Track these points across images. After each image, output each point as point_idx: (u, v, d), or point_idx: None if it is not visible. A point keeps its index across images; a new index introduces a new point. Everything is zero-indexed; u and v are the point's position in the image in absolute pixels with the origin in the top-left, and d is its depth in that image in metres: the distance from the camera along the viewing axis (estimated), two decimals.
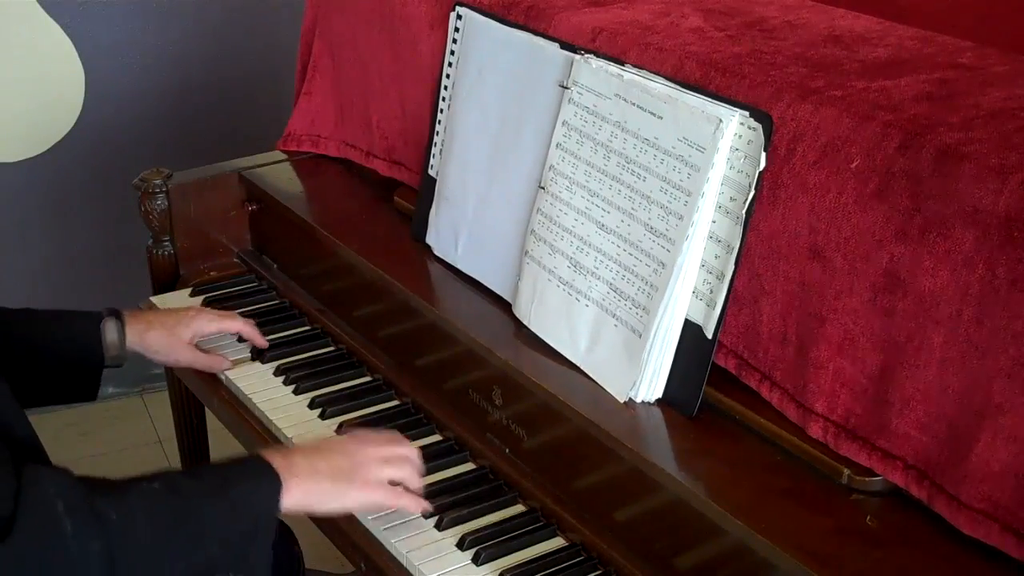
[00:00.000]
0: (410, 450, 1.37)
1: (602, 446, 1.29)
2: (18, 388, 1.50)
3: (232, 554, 1.19)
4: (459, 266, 1.62)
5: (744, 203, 1.23)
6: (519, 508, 1.40)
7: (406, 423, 1.56)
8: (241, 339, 1.74)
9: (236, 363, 1.71)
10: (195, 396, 1.90)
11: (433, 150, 1.68)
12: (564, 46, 1.44)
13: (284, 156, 2.03)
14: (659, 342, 1.30)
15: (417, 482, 1.35)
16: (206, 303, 1.86)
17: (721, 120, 1.23)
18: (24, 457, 1.19)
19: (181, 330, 1.63)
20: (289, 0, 2.85)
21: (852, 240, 1.15)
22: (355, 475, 1.28)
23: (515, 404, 1.42)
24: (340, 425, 1.56)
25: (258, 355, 1.72)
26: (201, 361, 1.67)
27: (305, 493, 1.24)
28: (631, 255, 1.34)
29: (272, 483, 1.22)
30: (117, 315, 1.58)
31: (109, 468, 2.65)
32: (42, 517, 1.09)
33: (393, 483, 1.32)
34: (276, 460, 1.24)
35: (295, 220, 1.83)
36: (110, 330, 1.55)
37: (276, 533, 1.62)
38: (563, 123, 1.43)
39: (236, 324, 1.70)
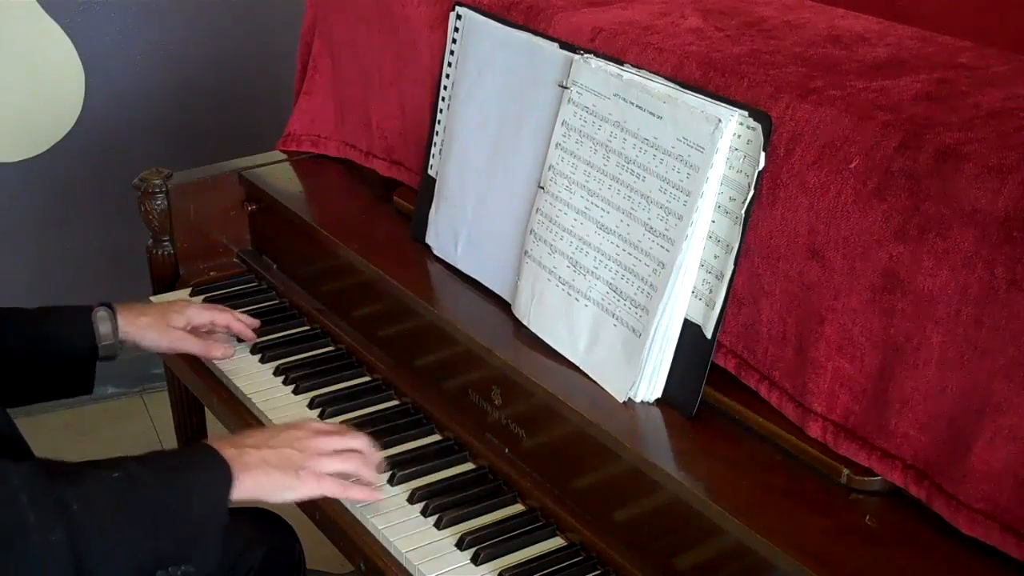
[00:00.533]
0: (360, 441, 1.38)
1: (601, 446, 1.29)
2: (15, 386, 1.51)
3: (183, 544, 1.20)
4: (459, 266, 1.62)
5: (743, 203, 1.23)
6: (518, 508, 1.40)
7: (405, 423, 1.56)
8: (240, 339, 1.74)
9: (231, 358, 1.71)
10: (195, 396, 1.90)
11: (433, 150, 1.68)
12: (563, 46, 1.44)
13: (284, 156, 2.03)
14: (658, 342, 1.30)
15: (368, 474, 1.36)
16: (206, 303, 1.86)
17: (720, 120, 1.23)
18: (2, 452, 1.21)
19: (174, 317, 1.65)
20: (289, 0, 2.85)
21: (851, 240, 1.15)
22: (304, 467, 1.30)
23: (514, 404, 1.42)
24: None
25: (258, 351, 1.73)
26: (196, 347, 1.67)
27: (255, 484, 1.26)
28: (630, 255, 1.34)
29: (222, 474, 1.24)
30: (108, 306, 1.59)
31: None
32: (5, 507, 1.11)
33: (345, 475, 1.34)
34: (227, 451, 1.26)
35: (295, 220, 1.83)
36: (102, 320, 1.57)
37: (278, 530, 1.63)
38: (562, 123, 1.43)
39: (225, 317, 1.71)
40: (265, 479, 1.27)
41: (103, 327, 1.57)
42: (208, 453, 1.26)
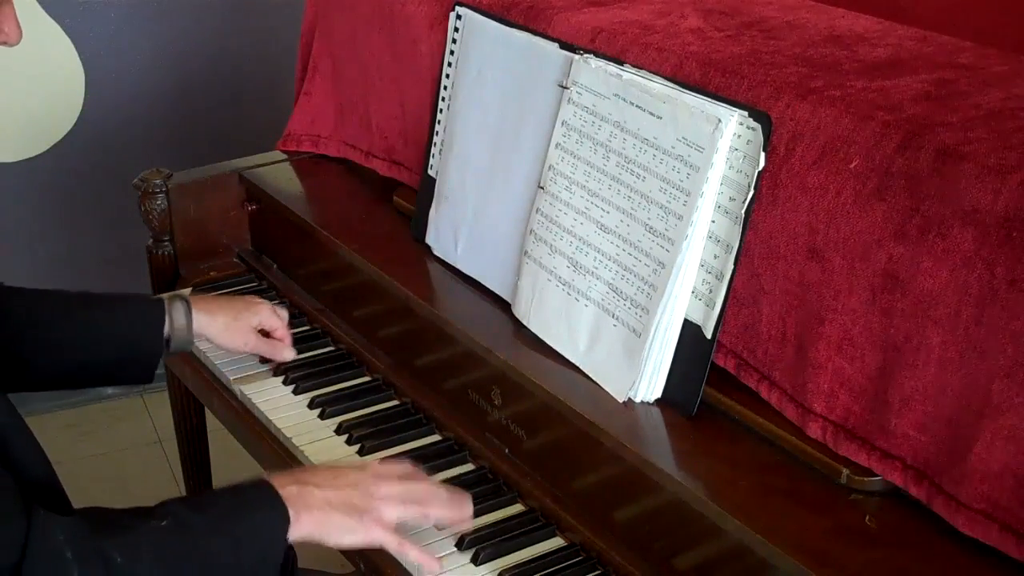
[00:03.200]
0: (427, 488, 1.31)
1: (601, 446, 1.29)
2: (73, 370, 1.49)
3: None
4: (459, 266, 1.62)
5: (743, 203, 1.23)
6: (518, 508, 1.40)
7: (406, 423, 1.56)
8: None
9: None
10: (195, 396, 1.90)
11: (433, 150, 1.68)
12: (563, 46, 1.44)
13: (284, 156, 2.03)
14: (658, 342, 1.30)
15: (439, 516, 1.31)
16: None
17: (720, 120, 1.23)
18: (37, 493, 1.18)
19: (248, 316, 1.63)
20: (289, 0, 2.85)
21: (851, 240, 1.15)
22: (367, 514, 1.25)
23: (514, 404, 1.42)
24: (340, 425, 1.56)
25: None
26: (264, 348, 1.65)
27: (315, 525, 1.22)
28: (630, 255, 1.34)
29: (280, 516, 1.20)
30: (183, 299, 1.56)
31: (109, 468, 2.64)
32: (51, 565, 1.09)
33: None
34: (288, 489, 1.22)
35: (295, 220, 1.83)
36: (178, 313, 1.54)
37: None
38: (562, 123, 1.43)
39: (284, 332, 1.67)
40: (325, 520, 1.22)
41: (179, 320, 1.54)
42: (266, 492, 1.22)
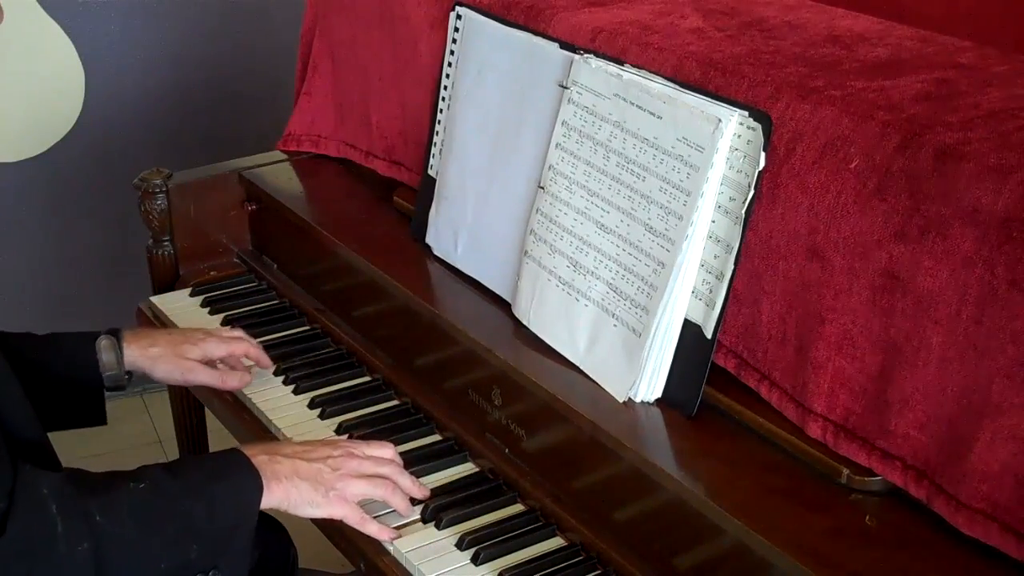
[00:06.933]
0: (393, 469, 1.36)
1: (601, 446, 1.29)
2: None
3: (212, 551, 1.21)
4: (459, 266, 1.62)
5: (743, 203, 1.23)
6: (518, 508, 1.40)
7: (406, 423, 1.56)
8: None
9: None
10: (195, 396, 1.90)
11: (433, 150, 1.68)
12: (564, 46, 1.44)
13: (284, 156, 2.04)
14: (658, 342, 1.30)
15: (399, 502, 1.35)
16: (206, 303, 1.86)
17: (720, 120, 1.23)
18: (27, 453, 1.20)
19: (187, 348, 1.55)
20: (289, 0, 2.85)
21: (851, 240, 1.15)
22: (334, 487, 1.30)
23: (514, 404, 1.42)
24: (340, 425, 1.56)
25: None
26: (211, 378, 1.58)
27: (283, 495, 1.27)
28: (630, 255, 1.34)
29: (253, 481, 1.24)
30: (114, 334, 1.51)
31: (109, 468, 2.64)
32: (35, 516, 1.12)
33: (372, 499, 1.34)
34: (260, 458, 1.27)
35: (295, 220, 1.84)
36: (106, 350, 1.49)
37: (271, 532, 1.63)
38: (562, 123, 1.43)
39: (243, 347, 1.62)
40: (294, 491, 1.27)
41: (106, 356, 1.49)
42: (239, 459, 1.26)
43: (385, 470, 1.36)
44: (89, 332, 1.52)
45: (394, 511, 1.36)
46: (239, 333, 1.65)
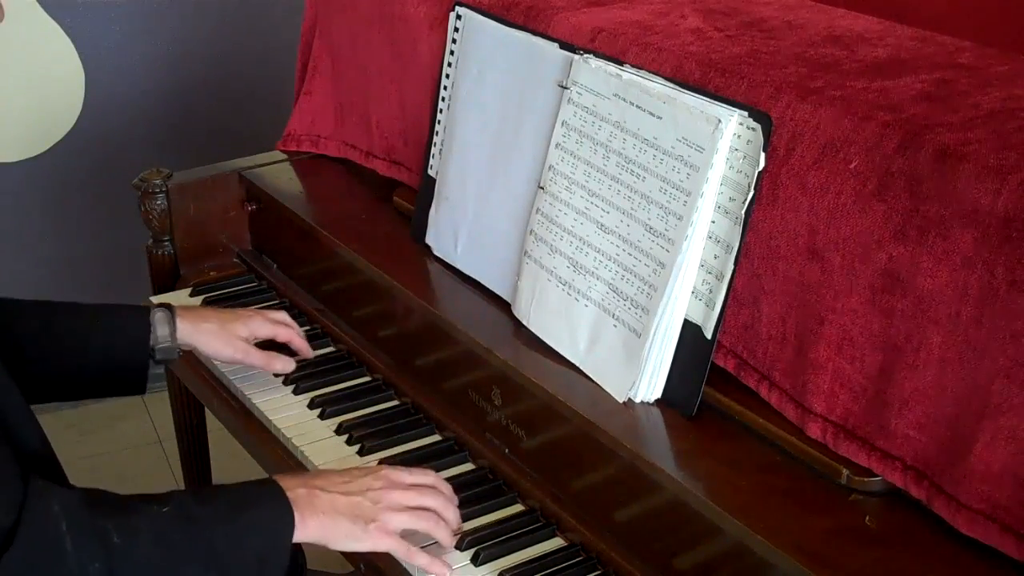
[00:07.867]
0: (437, 500, 1.31)
1: (601, 446, 1.29)
2: (65, 381, 1.49)
3: None
4: (459, 266, 1.62)
5: (743, 203, 1.23)
6: (518, 508, 1.40)
7: (406, 423, 1.56)
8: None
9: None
10: (195, 396, 1.90)
11: (433, 150, 1.68)
12: (563, 46, 1.44)
13: (284, 156, 2.04)
14: (658, 342, 1.30)
15: (442, 534, 1.30)
16: (206, 303, 1.86)
17: (720, 120, 1.23)
18: (34, 467, 1.19)
19: (237, 327, 1.59)
20: (289, 0, 2.85)
21: (851, 240, 1.15)
22: (375, 520, 1.25)
23: (514, 404, 1.42)
24: (340, 425, 1.56)
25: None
26: (260, 359, 1.60)
27: (320, 530, 1.23)
28: (630, 255, 1.34)
29: (285, 516, 1.20)
30: (167, 308, 1.55)
31: (109, 468, 2.64)
32: (44, 533, 1.09)
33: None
34: (297, 491, 1.22)
35: (295, 220, 1.84)
36: (160, 322, 1.53)
37: None
38: (562, 123, 1.43)
39: (288, 333, 1.63)
40: (332, 525, 1.23)
41: (161, 329, 1.52)
42: (272, 490, 1.22)
43: (429, 502, 1.30)
44: (140, 305, 1.56)
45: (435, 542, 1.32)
46: (285, 317, 1.66)
